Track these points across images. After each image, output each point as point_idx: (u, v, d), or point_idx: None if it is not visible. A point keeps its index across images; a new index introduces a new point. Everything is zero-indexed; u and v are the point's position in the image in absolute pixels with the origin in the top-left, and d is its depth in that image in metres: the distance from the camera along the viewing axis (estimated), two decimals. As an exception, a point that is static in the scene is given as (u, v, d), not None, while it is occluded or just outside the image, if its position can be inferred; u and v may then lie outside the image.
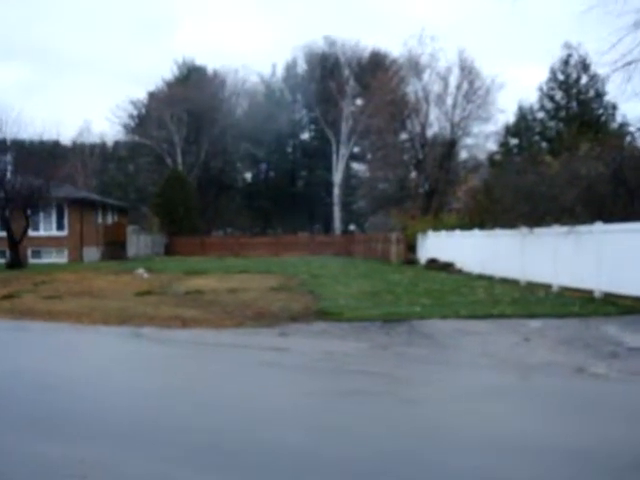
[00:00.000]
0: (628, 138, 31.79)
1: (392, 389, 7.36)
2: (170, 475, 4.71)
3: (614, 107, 43.44)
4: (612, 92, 37.37)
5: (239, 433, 5.61)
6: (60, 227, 38.09)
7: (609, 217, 15.97)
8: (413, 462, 4.91)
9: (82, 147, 67.39)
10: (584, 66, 44.78)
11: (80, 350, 10.56)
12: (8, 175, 31.93)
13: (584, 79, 45.12)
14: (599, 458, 5.00)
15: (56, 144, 56.55)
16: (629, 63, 17.12)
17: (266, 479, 4.66)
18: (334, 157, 61.07)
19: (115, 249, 41.02)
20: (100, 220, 42.53)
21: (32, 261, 35.23)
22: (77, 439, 5.48)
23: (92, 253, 39.23)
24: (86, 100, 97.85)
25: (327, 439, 5.48)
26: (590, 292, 15.24)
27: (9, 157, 33.98)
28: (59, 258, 37.32)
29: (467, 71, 43.41)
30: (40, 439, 5.49)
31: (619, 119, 43.52)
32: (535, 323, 11.65)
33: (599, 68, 34.61)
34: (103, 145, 69.91)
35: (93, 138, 69.25)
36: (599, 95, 44.56)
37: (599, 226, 15.55)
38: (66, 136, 65.32)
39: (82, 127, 71.53)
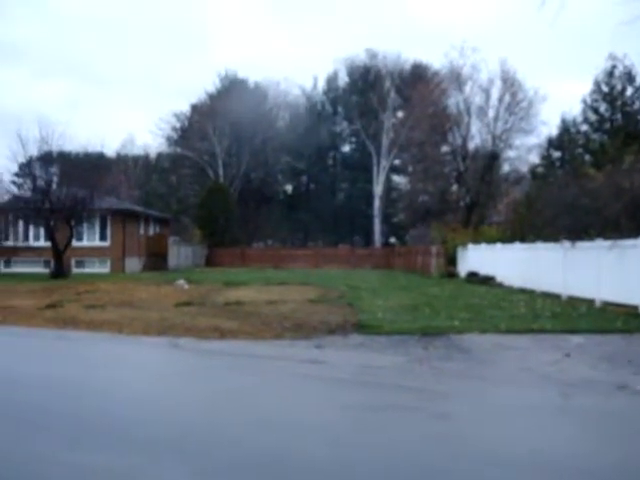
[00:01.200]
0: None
1: (428, 405, 7.28)
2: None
3: (661, 119, 42.76)
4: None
5: (272, 448, 5.58)
6: (103, 238, 38.70)
7: (654, 231, 15.66)
8: (448, 479, 4.87)
9: (126, 159, 68.60)
10: (629, 77, 44.09)
11: (119, 360, 10.68)
12: (54, 186, 32.66)
13: (629, 90, 44.41)
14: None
15: (100, 156, 57.72)
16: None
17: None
18: (375, 169, 61.00)
19: (156, 260, 41.49)
20: (142, 231, 43.08)
21: (75, 271, 35.85)
22: (108, 449, 5.52)
23: (134, 264, 39.75)
24: (130, 113, 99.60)
25: (361, 454, 5.43)
26: (635, 308, 14.92)
27: (55, 169, 34.76)
28: (102, 268, 37.89)
29: (509, 83, 43.16)
30: (75, 448, 5.55)
31: (665, 131, 42.78)
32: (576, 339, 11.44)
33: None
34: (146, 157, 71.07)
35: (137, 150, 70.71)
36: (645, 107, 43.85)
37: (644, 240, 15.24)
38: (110, 148, 66.86)
39: (126, 139, 73.22)
